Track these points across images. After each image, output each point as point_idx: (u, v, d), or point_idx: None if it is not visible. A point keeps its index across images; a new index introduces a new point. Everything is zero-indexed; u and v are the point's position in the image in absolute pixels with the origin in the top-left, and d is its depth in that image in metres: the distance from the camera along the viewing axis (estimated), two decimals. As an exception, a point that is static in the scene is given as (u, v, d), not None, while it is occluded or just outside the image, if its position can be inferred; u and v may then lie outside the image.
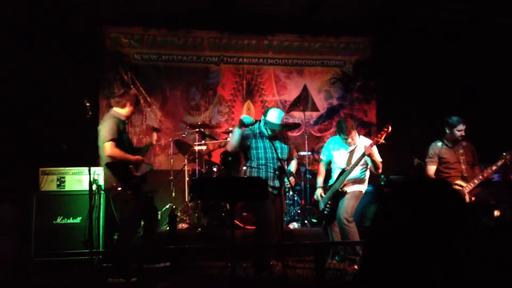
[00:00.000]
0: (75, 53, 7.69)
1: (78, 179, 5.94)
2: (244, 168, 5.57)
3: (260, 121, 5.30)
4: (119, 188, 4.95)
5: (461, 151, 5.72)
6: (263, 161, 5.22)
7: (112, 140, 5.01)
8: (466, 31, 8.44)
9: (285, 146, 5.40)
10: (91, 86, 7.96)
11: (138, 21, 8.38)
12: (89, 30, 8.08)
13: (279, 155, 5.11)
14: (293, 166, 5.59)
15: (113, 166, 4.90)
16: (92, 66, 8.09)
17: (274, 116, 5.25)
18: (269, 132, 5.21)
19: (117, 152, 5.04)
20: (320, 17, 8.45)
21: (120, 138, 5.10)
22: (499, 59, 7.97)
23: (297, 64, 9.03)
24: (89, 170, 4.81)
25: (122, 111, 5.29)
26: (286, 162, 5.45)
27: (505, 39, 8.09)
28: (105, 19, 8.22)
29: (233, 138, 5.24)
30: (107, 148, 4.99)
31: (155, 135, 5.51)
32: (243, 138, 5.23)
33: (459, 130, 5.66)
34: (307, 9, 8.13)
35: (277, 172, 5.03)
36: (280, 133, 5.40)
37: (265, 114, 5.32)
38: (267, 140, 5.24)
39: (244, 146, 5.29)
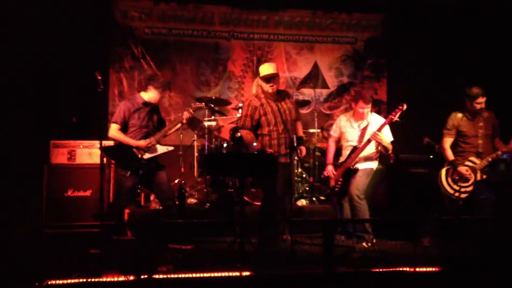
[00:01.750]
0: (85, 26, 7.65)
1: (88, 152, 5.98)
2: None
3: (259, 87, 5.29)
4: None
5: (481, 123, 5.54)
6: (273, 127, 5.18)
7: (115, 122, 5.22)
8: (481, 5, 8.25)
9: (291, 106, 5.34)
10: (101, 60, 7.95)
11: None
12: (98, 3, 8.02)
13: (288, 116, 5.09)
14: (300, 129, 5.55)
15: (107, 150, 4.97)
16: (102, 39, 8.05)
17: (266, 68, 5.22)
18: (270, 90, 5.15)
19: (117, 135, 5.24)
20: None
21: (127, 122, 5.26)
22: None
23: (308, 41, 8.95)
24: (100, 143, 4.85)
25: (144, 95, 5.37)
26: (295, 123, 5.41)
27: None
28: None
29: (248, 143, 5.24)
30: (110, 129, 5.26)
31: (186, 114, 5.47)
32: (253, 113, 5.20)
33: (479, 102, 5.49)
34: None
35: (286, 147, 5.05)
36: (283, 93, 5.39)
37: (258, 74, 5.31)
38: (273, 104, 5.19)
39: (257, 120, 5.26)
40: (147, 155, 5.25)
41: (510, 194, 5.89)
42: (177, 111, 8.00)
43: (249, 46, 8.79)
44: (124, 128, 5.27)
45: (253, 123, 5.22)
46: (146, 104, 5.35)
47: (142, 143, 5.21)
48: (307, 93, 8.62)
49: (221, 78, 8.69)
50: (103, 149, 4.98)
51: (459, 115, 5.67)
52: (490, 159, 5.45)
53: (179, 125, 5.53)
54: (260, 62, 8.68)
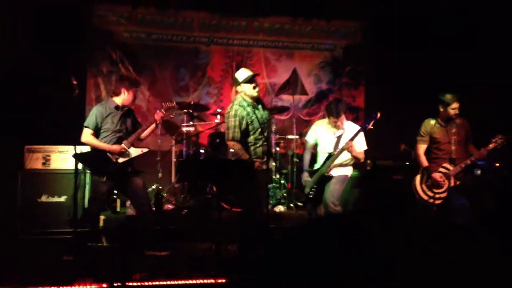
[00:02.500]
0: (62, 30, 7.59)
1: (63, 157, 5.91)
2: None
3: (240, 95, 5.15)
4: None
5: (453, 130, 5.58)
6: (259, 135, 5.11)
7: (87, 127, 5.17)
8: (457, 17, 8.41)
9: (265, 112, 5.23)
10: (79, 64, 7.89)
11: (127, -1, 8.28)
12: (76, 7, 7.95)
13: (266, 123, 5.11)
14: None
15: (80, 156, 4.93)
16: (80, 43, 7.98)
17: (244, 72, 5.08)
18: (250, 100, 5.04)
19: (90, 140, 5.18)
20: (311, 0, 8.41)
21: (100, 127, 5.21)
22: (492, 44, 7.96)
23: (287, 47, 9.00)
24: (75, 149, 4.79)
25: (117, 99, 5.32)
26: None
27: (497, 25, 8.07)
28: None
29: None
30: (82, 134, 5.18)
31: (158, 114, 5.40)
32: (241, 123, 5.07)
33: (453, 108, 5.52)
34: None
35: (264, 154, 5.02)
36: (260, 100, 5.25)
37: (237, 83, 5.11)
38: (256, 111, 5.06)
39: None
40: (121, 159, 5.20)
41: (485, 199, 5.95)
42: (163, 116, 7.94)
43: (228, 52, 8.81)
44: (97, 133, 5.22)
45: (240, 134, 5.10)
46: (118, 108, 5.30)
47: (116, 147, 5.16)
48: (286, 99, 8.65)
49: (200, 83, 8.68)
50: (76, 156, 4.91)
51: (432, 121, 5.72)
52: (463, 165, 5.49)
53: (153, 125, 5.44)
54: (239, 67, 8.67)
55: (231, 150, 5.40)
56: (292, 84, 8.29)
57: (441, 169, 5.56)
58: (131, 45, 8.41)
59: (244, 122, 5.00)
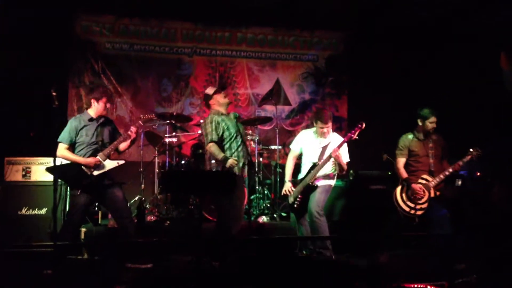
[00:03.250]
0: (44, 41, 7.53)
1: (44, 169, 5.84)
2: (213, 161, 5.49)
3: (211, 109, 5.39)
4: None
5: (430, 144, 5.75)
6: (234, 143, 5.25)
7: (61, 142, 5.14)
8: (438, 28, 8.52)
9: (239, 124, 5.45)
10: (61, 74, 7.84)
11: (110, 10, 8.25)
12: (59, 17, 7.90)
13: (243, 132, 5.21)
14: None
15: (55, 169, 4.85)
16: (62, 54, 7.93)
17: (210, 88, 5.40)
18: (223, 110, 5.27)
19: (65, 154, 5.15)
20: (294, 11, 8.46)
21: (75, 140, 5.18)
22: (470, 56, 8.07)
23: (271, 58, 9.03)
24: (54, 161, 4.73)
25: (90, 111, 5.29)
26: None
27: (477, 38, 8.20)
28: (76, 6, 8.06)
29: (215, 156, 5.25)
30: (58, 149, 5.14)
31: (133, 129, 5.34)
32: (217, 128, 5.27)
33: (431, 122, 5.69)
34: (282, 2, 8.13)
35: (246, 165, 5.06)
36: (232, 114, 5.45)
37: (208, 97, 5.46)
38: (231, 119, 5.31)
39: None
40: (96, 172, 5.15)
41: (466, 209, 6.02)
42: (139, 128, 7.91)
43: (211, 62, 8.80)
44: (73, 146, 5.18)
45: (218, 137, 5.27)
46: (93, 120, 5.26)
47: (90, 160, 5.11)
48: (269, 109, 8.66)
49: (183, 94, 8.66)
50: (50, 169, 4.88)
51: (410, 136, 5.89)
52: (442, 177, 5.61)
53: (128, 141, 5.37)
54: (223, 78, 8.70)
55: (209, 157, 5.41)
56: (275, 95, 8.32)
57: (420, 181, 5.67)
58: (114, 56, 8.37)
59: (220, 127, 5.27)
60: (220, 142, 5.29)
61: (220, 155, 5.16)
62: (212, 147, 5.24)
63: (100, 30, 8.30)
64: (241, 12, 8.47)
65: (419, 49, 8.56)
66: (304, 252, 5.87)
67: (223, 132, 5.28)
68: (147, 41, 8.54)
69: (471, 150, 5.56)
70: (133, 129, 5.30)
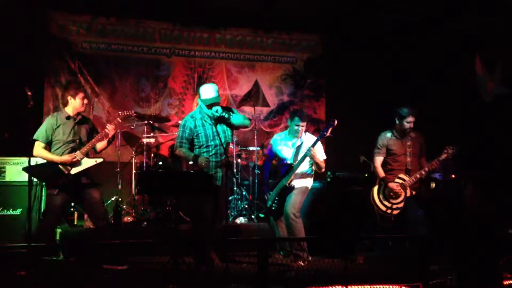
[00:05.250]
0: (19, 39, 7.44)
1: (19, 169, 5.75)
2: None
3: (199, 107, 5.26)
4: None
5: (409, 143, 5.76)
6: (204, 150, 5.15)
7: (37, 140, 5.08)
8: (415, 32, 8.65)
9: (228, 129, 5.31)
10: (37, 74, 7.74)
11: (87, 9, 8.16)
12: (35, 16, 7.81)
13: (222, 139, 5.07)
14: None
15: (31, 169, 4.78)
16: (38, 53, 7.83)
17: (208, 91, 5.18)
18: (211, 114, 5.11)
19: (41, 153, 5.10)
20: (273, 13, 8.49)
21: (50, 139, 5.12)
22: (446, 59, 8.21)
23: (249, 59, 9.04)
24: (29, 161, 4.67)
25: (67, 109, 5.22)
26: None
27: (452, 40, 8.35)
28: (52, 5, 7.97)
29: (184, 157, 5.22)
30: (34, 148, 5.07)
31: (109, 127, 5.25)
32: (189, 135, 5.18)
33: (408, 122, 5.70)
34: (261, 3, 8.16)
35: (219, 164, 5.05)
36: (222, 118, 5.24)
37: (199, 96, 5.25)
38: (210, 126, 5.17)
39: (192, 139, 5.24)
40: (74, 170, 5.09)
41: (438, 210, 6.11)
42: (117, 126, 7.83)
43: (190, 63, 8.78)
44: (50, 145, 5.12)
45: (188, 144, 5.21)
46: (70, 118, 5.19)
47: (67, 158, 5.05)
48: (248, 111, 8.65)
49: (161, 94, 8.61)
50: (26, 169, 4.81)
51: (388, 134, 5.89)
52: (418, 176, 5.68)
53: (105, 141, 5.31)
54: (201, 79, 8.69)
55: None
56: (254, 96, 8.34)
57: (397, 180, 5.71)
58: (91, 55, 8.28)
59: (191, 133, 5.20)
60: (191, 147, 5.24)
61: (188, 157, 5.13)
62: (180, 152, 5.22)
63: (77, 30, 8.21)
64: (220, 13, 8.47)
65: (396, 52, 8.69)
66: (281, 253, 5.90)
67: (193, 138, 5.21)
68: (124, 41, 8.47)
69: (447, 148, 5.62)
70: (109, 126, 5.23)
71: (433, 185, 6.61)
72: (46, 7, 7.95)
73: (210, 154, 5.13)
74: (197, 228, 5.15)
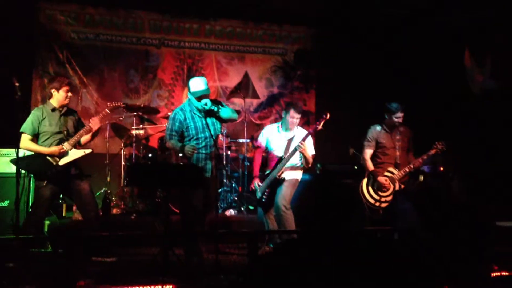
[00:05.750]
0: (7, 29, 7.35)
1: (6, 160, 5.69)
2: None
3: (188, 99, 5.23)
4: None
5: (398, 137, 5.84)
6: (194, 142, 5.13)
7: (24, 133, 5.03)
8: (405, 24, 8.66)
9: (217, 121, 5.26)
10: (24, 65, 7.65)
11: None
12: (22, 6, 7.71)
13: (212, 131, 5.06)
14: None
15: (20, 161, 4.73)
16: (25, 43, 7.74)
17: (197, 83, 5.14)
18: (200, 107, 5.10)
19: (28, 146, 5.05)
20: (263, 4, 8.46)
21: (37, 132, 5.08)
22: (436, 54, 8.23)
23: (239, 51, 9.01)
24: (17, 152, 4.62)
25: (52, 101, 5.17)
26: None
27: (443, 35, 8.37)
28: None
29: (172, 147, 5.20)
30: (21, 140, 5.01)
31: (94, 121, 5.19)
32: (179, 128, 5.15)
33: (397, 117, 5.79)
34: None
35: (209, 156, 5.05)
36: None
37: (188, 89, 5.22)
38: (199, 118, 5.15)
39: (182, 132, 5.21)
40: (62, 161, 5.06)
41: (423, 203, 6.15)
42: (104, 118, 7.79)
43: (179, 54, 8.73)
44: (37, 137, 5.08)
45: (178, 136, 5.19)
46: (55, 110, 5.15)
47: (55, 149, 5.01)
48: (238, 102, 8.65)
49: (151, 86, 8.56)
50: (14, 161, 4.76)
51: (378, 127, 5.96)
52: (407, 170, 5.75)
53: (89, 135, 5.26)
54: (191, 70, 8.65)
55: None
56: (244, 88, 8.33)
57: (386, 173, 5.77)
58: (79, 46, 8.21)
59: (181, 126, 5.15)
60: (181, 140, 5.20)
61: (176, 148, 5.13)
62: (168, 144, 5.21)
63: (65, 20, 8.13)
64: (209, 4, 8.42)
65: (386, 44, 8.69)
66: (270, 245, 5.91)
67: (183, 131, 5.16)
68: (113, 31, 8.40)
69: (436, 143, 5.70)
70: (94, 120, 5.19)
71: (421, 178, 6.67)
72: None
73: (200, 146, 5.11)
74: (186, 219, 5.13)
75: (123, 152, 7.32)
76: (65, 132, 5.15)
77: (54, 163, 5.03)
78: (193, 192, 4.95)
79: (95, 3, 8.23)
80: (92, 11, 8.29)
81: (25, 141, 5.02)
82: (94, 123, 5.15)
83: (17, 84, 4.54)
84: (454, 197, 7.06)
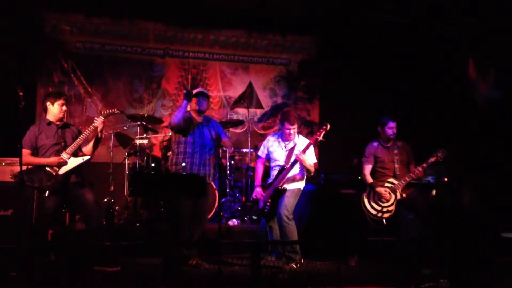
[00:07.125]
0: (12, 39, 7.40)
1: (11, 170, 5.71)
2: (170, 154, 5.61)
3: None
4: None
5: (395, 151, 5.91)
6: (190, 149, 5.19)
7: (24, 148, 5.07)
8: (408, 33, 8.66)
9: (213, 130, 5.41)
10: (28, 74, 7.69)
11: (80, 9, 8.14)
12: (27, 16, 7.77)
13: (212, 137, 5.15)
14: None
15: (21, 175, 4.72)
16: (30, 53, 7.79)
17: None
18: (194, 114, 5.22)
19: (29, 160, 5.11)
20: (267, 14, 8.49)
21: (35, 146, 5.16)
22: (438, 61, 8.23)
23: (243, 61, 9.04)
24: (20, 162, 4.64)
25: (48, 116, 5.27)
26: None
27: (443, 43, 8.38)
28: (45, 4, 7.94)
29: (180, 111, 5.24)
30: (22, 155, 4.95)
31: (98, 122, 5.24)
32: (186, 118, 5.28)
33: (390, 127, 5.88)
34: (254, 5, 8.17)
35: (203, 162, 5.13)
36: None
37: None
38: (198, 126, 5.29)
39: (184, 126, 5.31)
40: (62, 170, 5.08)
41: (420, 211, 6.10)
42: (108, 127, 7.81)
43: (184, 64, 8.76)
44: (36, 151, 5.14)
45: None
46: (51, 124, 5.22)
47: (53, 159, 5.06)
48: (241, 112, 8.67)
49: (155, 95, 8.60)
50: (16, 177, 4.82)
51: (375, 144, 6.09)
52: (408, 179, 5.78)
53: (91, 144, 5.30)
54: (195, 80, 8.68)
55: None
56: (248, 98, 8.34)
57: (387, 184, 5.82)
58: (84, 56, 8.26)
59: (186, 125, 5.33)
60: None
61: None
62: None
63: (70, 30, 8.18)
64: (214, 14, 8.46)
65: (390, 53, 8.68)
66: (273, 256, 5.90)
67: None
68: (118, 41, 8.45)
69: (437, 151, 5.69)
70: (96, 123, 5.22)
71: (434, 192, 6.68)
72: (39, 6, 7.91)
73: (195, 151, 5.21)
74: (173, 228, 5.17)
75: (127, 162, 7.33)
76: (63, 144, 5.21)
77: (54, 173, 5.06)
78: (182, 200, 4.99)
79: (100, 13, 8.28)
80: (97, 21, 8.34)
81: (25, 156, 5.07)
82: (98, 124, 5.19)
83: (21, 93, 4.57)
84: (466, 212, 6.99)
